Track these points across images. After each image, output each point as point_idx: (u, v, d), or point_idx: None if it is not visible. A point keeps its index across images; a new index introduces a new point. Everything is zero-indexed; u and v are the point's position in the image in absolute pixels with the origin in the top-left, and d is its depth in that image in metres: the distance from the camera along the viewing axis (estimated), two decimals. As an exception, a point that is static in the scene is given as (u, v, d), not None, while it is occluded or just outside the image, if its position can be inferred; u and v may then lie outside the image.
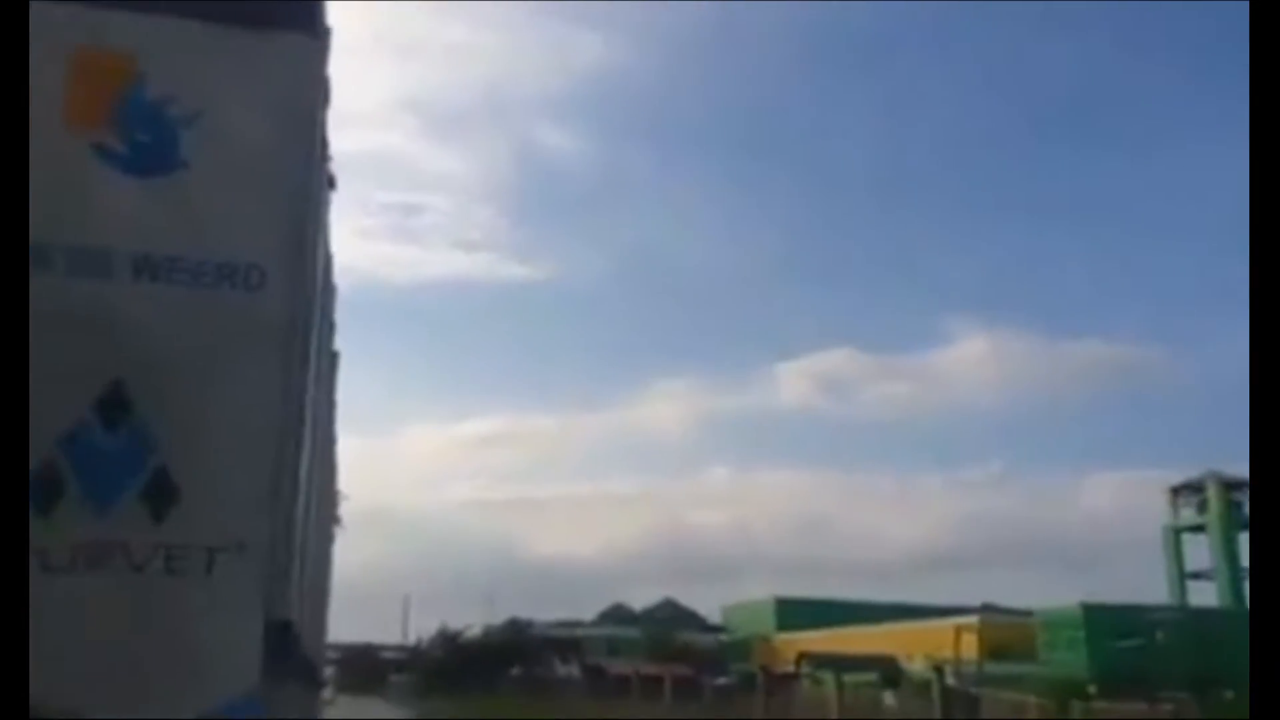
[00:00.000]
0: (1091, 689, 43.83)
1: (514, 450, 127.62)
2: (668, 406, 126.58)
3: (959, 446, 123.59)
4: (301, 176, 2.04)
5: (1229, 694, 41.22)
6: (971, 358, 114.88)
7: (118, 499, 1.94)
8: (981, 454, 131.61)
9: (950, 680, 10.86)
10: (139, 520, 1.95)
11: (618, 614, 77.21)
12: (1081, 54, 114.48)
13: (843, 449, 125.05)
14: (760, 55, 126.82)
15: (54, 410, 1.92)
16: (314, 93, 2.04)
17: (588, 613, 77.17)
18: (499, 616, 63.01)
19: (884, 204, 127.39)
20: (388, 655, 63.04)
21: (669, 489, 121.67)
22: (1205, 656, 44.64)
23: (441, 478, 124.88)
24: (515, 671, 51.70)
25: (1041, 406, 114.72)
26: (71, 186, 1.92)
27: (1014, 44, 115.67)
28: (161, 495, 1.98)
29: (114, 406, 1.94)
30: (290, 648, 2.03)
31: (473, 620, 60.92)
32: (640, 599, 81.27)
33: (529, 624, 61.12)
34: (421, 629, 65.01)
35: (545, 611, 68.22)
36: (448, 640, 58.09)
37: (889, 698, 42.37)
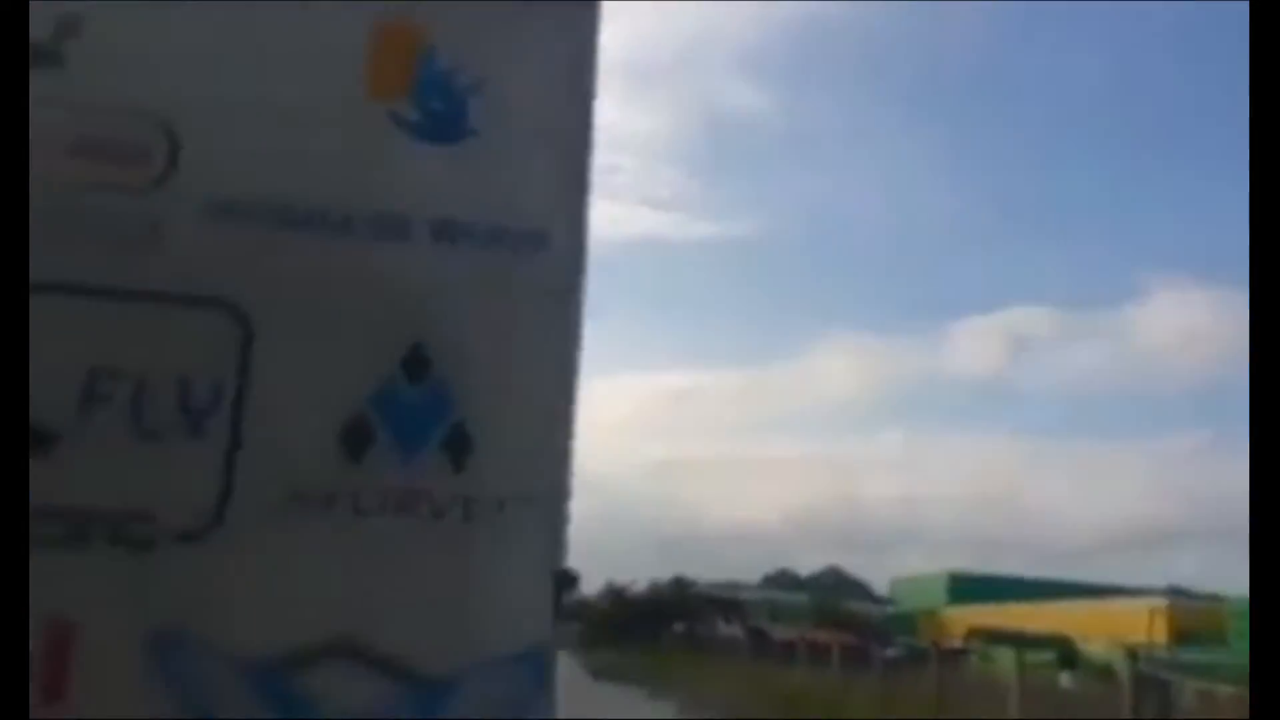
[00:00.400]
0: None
1: (694, 407, 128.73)
2: (843, 366, 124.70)
3: (1157, 415, 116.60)
4: (579, 142, 2.10)
5: None
6: (1174, 313, 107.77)
7: (421, 449, 2.06)
8: (1183, 424, 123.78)
9: (1141, 666, 10.32)
10: (441, 469, 2.07)
11: (782, 579, 77.14)
12: None
13: (1026, 414, 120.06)
14: (958, 6, 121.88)
15: (363, 368, 2.05)
16: (589, 59, 2.09)
17: (753, 575, 77.55)
18: (666, 574, 64.06)
19: (1087, 154, 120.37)
20: (554, 604, 65.27)
21: (841, 453, 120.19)
22: None
23: (623, 432, 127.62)
24: (679, 628, 52.48)
25: (1244, 371, 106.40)
26: (373, 155, 2.04)
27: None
28: (460, 447, 2.09)
29: (416, 364, 2.06)
30: (564, 595, 2.13)
31: (639, 576, 62.20)
32: (805, 565, 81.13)
33: (693, 583, 61.92)
34: (589, 582, 66.98)
35: (711, 572, 68.93)
36: (614, 594, 59.58)
37: (1065, 679, 40.78)
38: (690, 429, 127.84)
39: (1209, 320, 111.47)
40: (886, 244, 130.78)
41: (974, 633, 46.41)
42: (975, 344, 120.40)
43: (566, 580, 2.02)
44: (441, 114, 2.03)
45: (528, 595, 1.98)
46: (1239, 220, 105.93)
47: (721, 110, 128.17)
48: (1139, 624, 49.16)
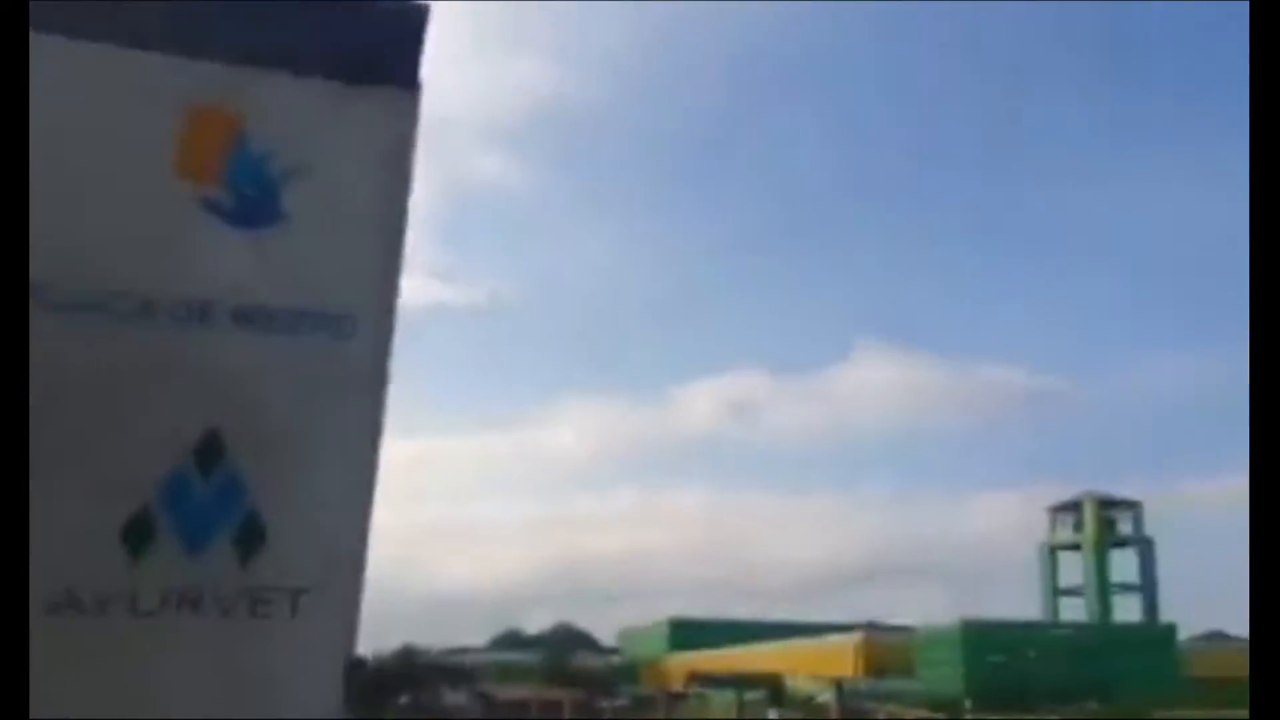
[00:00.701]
0: (967, 704, 45.45)
1: (416, 472, 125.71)
2: (575, 428, 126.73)
3: (856, 465, 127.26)
4: (394, 228, 2.13)
5: (1093, 705, 43.40)
6: (871, 378, 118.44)
7: (209, 543, 1.99)
8: (877, 473, 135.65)
9: (825, 697, 11.18)
10: (229, 563, 2.01)
11: (512, 638, 76.55)
12: (993, 85, 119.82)
13: (744, 470, 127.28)
14: (688, 80, 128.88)
15: (151, 459, 1.96)
16: (408, 145, 2.13)
17: (481, 638, 76.35)
18: (391, 644, 61.82)
19: (799, 228, 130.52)
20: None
21: (572, 512, 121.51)
22: (1074, 670, 46.87)
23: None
24: (404, 700, 50.65)
25: (936, 425, 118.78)
26: (178, 239, 1.97)
27: (932, 72, 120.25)
28: (251, 539, 2.03)
29: (209, 454, 1.99)
30: (353, 683, 2.11)
31: (362, 648, 59.44)
32: (535, 624, 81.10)
33: (424, 651, 60.14)
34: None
35: (439, 637, 67.20)
36: (335, 668, 56.54)
37: (773, 715, 43.11)
38: (422, 495, 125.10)
39: (898, 380, 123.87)
40: (617, 310, 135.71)
41: (693, 677, 48.24)
42: (700, 405, 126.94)
43: (356, 667, 1.99)
44: (253, 199, 1.98)
45: (317, 686, 1.93)
46: (928, 287, 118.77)
47: (468, 180, 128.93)
48: (840, 658, 52.93)
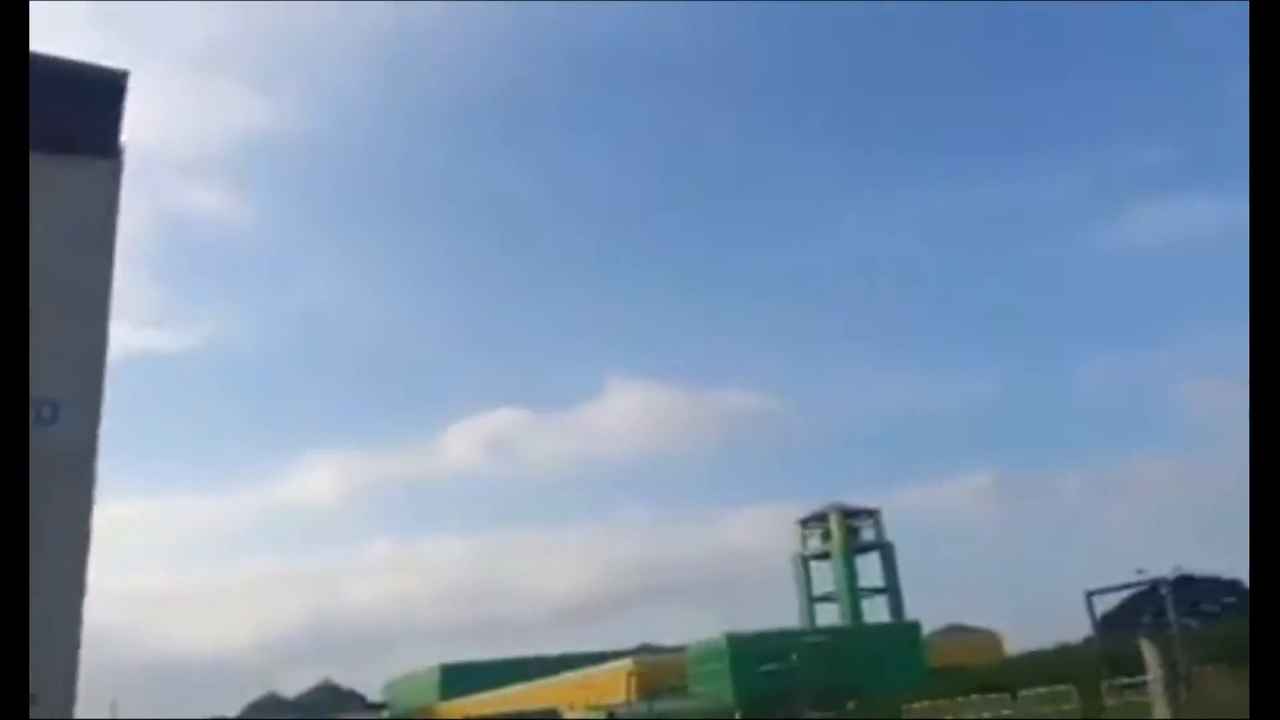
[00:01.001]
0: (738, 714, 47.01)
1: (144, 535, 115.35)
2: (325, 479, 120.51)
3: (616, 494, 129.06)
4: (96, 303, 2.06)
5: (850, 704, 45.97)
6: (626, 410, 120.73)
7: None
8: (636, 500, 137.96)
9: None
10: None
11: (270, 703, 71.92)
12: (736, 133, 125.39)
13: (505, 508, 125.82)
14: (434, 121, 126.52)
15: None
16: (110, 216, 2.06)
17: (235, 705, 71.21)
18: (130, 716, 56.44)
19: (546, 268, 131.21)
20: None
21: (324, 566, 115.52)
22: (833, 672, 49.55)
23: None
24: (151, 784, 46.41)
25: (685, 451, 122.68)
26: None
27: (668, 118, 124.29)
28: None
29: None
30: None
31: (99, 730, 53.91)
32: (296, 685, 76.36)
33: (164, 727, 55.24)
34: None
35: (185, 709, 62.13)
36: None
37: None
38: (146, 561, 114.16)
39: (647, 411, 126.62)
40: (366, 355, 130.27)
41: (467, 722, 47.13)
42: (457, 447, 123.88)
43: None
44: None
45: None
46: (668, 323, 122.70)
47: (177, 214, 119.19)
48: (615, 685, 53.39)
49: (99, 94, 1.75)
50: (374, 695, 75.41)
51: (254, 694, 74.11)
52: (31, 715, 1.77)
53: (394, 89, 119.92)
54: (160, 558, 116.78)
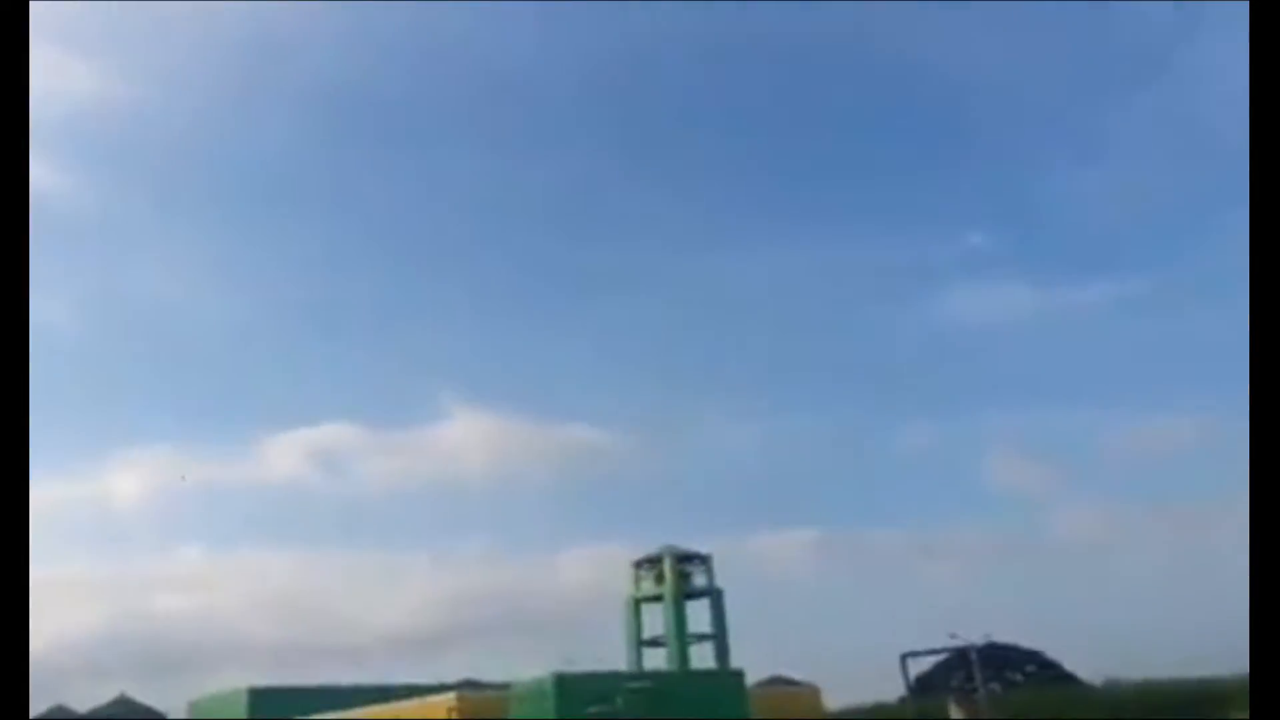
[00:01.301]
0: (559, 756, 46.52)
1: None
2: (134, 478, 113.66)
3: (447, 523, 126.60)
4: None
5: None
6: (463, 436, 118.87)
7: None
8: (468, 530, 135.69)
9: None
10: None
11: (57, 716, 66.89)
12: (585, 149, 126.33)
13: (332, 525, 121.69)
14: (278, 109, 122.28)
15: None
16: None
17: (15, 720, 65.89)
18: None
19: (393, 283, 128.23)
20: None
21: (128, 571, 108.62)
22: (658, 715, 49.70)
23: None
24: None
25: (523, 483, 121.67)
26: None
27: (524, 128, 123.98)
28: None
29: None
30: None
31: None
32: (88, 699, 71.14)
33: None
34: None
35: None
36: None
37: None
38: None
39: (488, 444, 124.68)
40: (189, 348, 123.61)
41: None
42: (283, 458, 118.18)
43: None
44: None
45: None
46: (525, 350, 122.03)
47: None
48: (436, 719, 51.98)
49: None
50: (175, 714, 71.09)
51: (40, 706, 68.85)
52: None
53: (241, 76, 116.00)
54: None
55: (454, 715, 51.79)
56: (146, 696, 71.99)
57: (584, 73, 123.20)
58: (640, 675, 58.63)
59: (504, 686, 56.29)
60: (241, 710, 64.87)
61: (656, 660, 67.94)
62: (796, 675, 72.43)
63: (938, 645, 42.80)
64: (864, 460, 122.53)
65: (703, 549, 71.93)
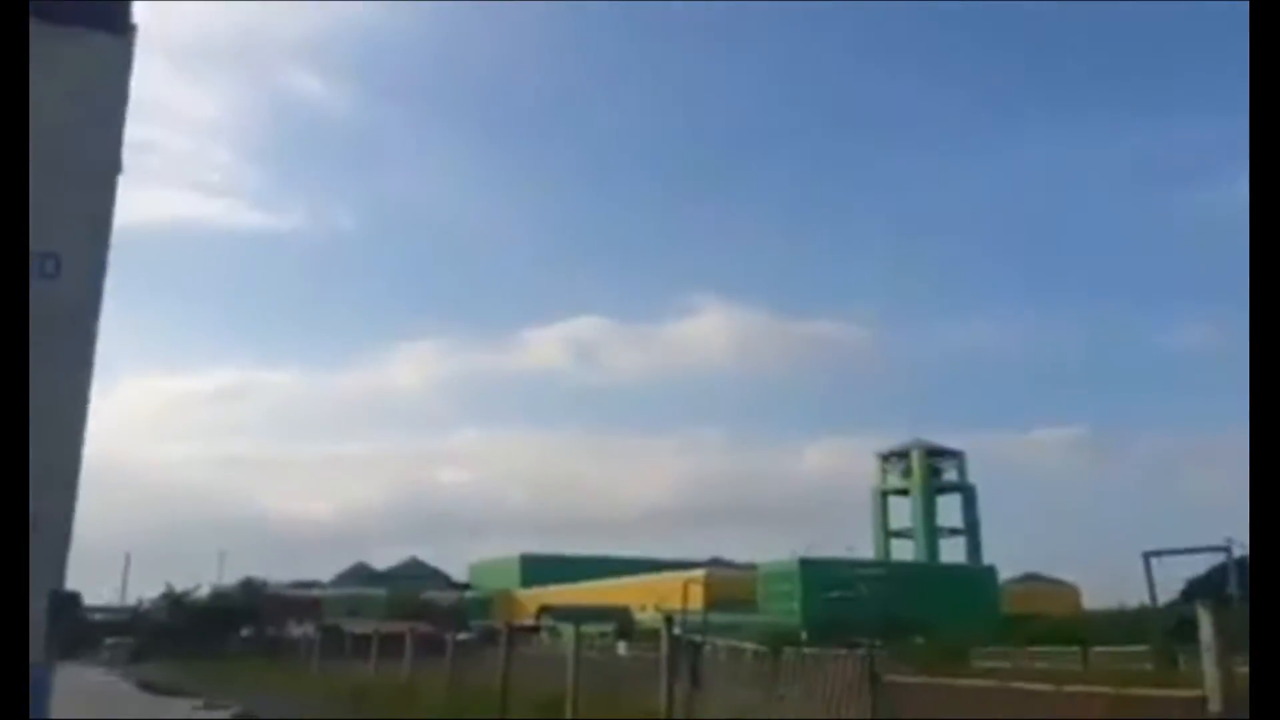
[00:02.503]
0: (803, 635, 47.70)
1: (251, 406, 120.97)
2: (417, 366, 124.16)
3: (695, 412, 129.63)
4: (102, 170, 2.13)
5: (919, 639, 46.25)
6: (711, 331, 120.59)
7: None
8: (715, 420, 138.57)
9: (677, 630, 11.64)
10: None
11: (360, 574, 75.61)
12: (847, 60, 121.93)
13: (588, 412, 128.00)
14: (541, 29, 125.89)
15: None
16: (118, 89, 2.12)
17: (328, 573, 75.21)
18: (232, 578, 60.22)
19: (645, 183, 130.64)
20: (100, 618, 58.47)
21: (416, 449, 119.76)
22: (902, 606, 49.65)
23: (169, 431, 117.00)
24: (246, 633, 49.65)
25: (771, 376, 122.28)
26: None
27: (792, 47, 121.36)
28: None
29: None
30: (75, 615, 2.15)
31: (203, 581, 57.70)
32: (385, 559, 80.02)
33: (264, 584, 58.74)
34: (143, 591, 61.19)
35: (283, 572, 65.94)
36: (172, 602, 54.74)
37: (622, 647, 44.24)
38: (249, 428, 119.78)
39: (735, 336, 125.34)
40: (451, 249, 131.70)
41: (544, 610, 48.95)
42: (544, 349, 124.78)
43: (65, 601, 2.02)
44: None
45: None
46: (770, 250, 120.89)
47: (285, 100, 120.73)
48: (687, 593, 54.55)
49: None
50: (459, 576, 78.53)
51: (346, 563, 78.12)
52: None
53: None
54: (264, 427, 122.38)
55: (704, 591, 53.88)
56: (433, 558, 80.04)
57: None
58: (886, 564, 58.62)
59: (750, 567, 58.01)
60: (514, 575, 70.79)
61: (904, 553, 67.57)
62: (1052, 574, 69.71)
63: (1190, 546, 39.82)
64: (1127, 358, 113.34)
65: (953, 445, 70.52)
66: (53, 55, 2.07)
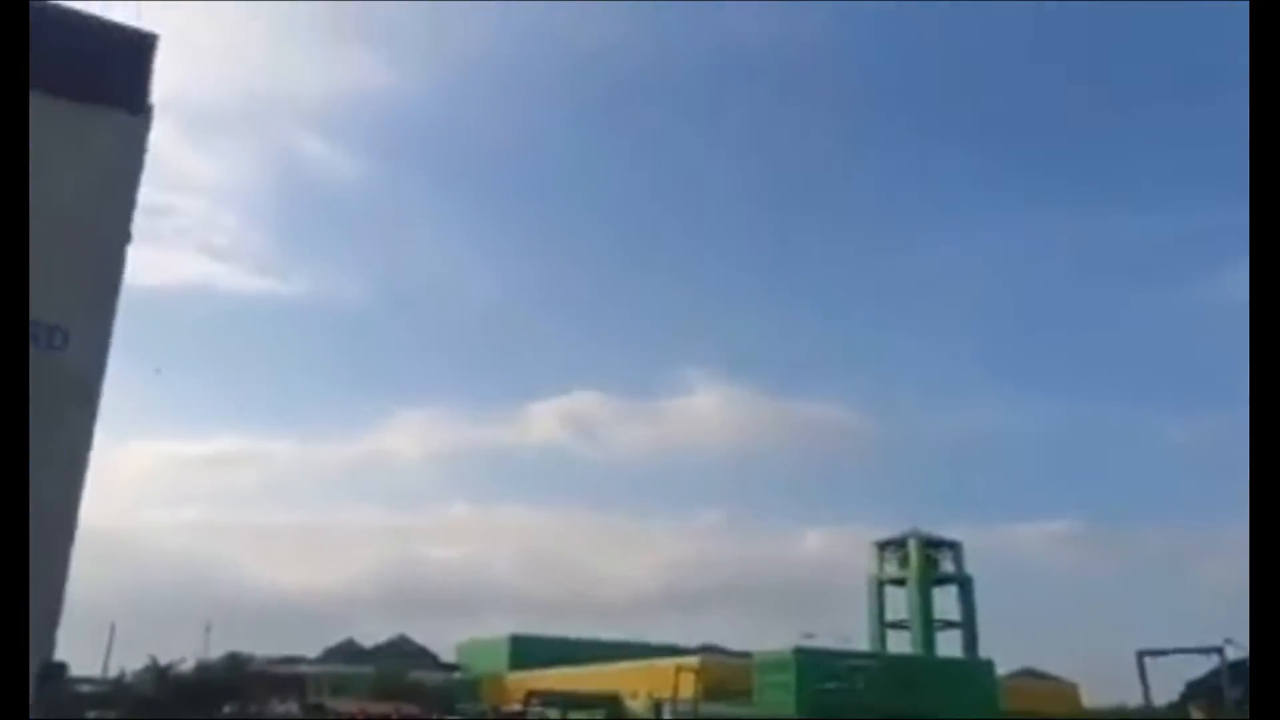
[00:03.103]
0: (798, 729, 46.56)
1: (244, 474, 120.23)
2: (412, 438, 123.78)
3: (690, 492, 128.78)
4: (112, 243, 2.19)
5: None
6: (707, 410, 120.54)
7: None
8: (711, 500, 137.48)
9: (667, 717, 11.40)
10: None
11: (347, 650, 74.24)
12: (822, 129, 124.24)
13: (583, 489, 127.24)
14: (542, 99, 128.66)
15: None
16: (133, 167, 2.19)
17: (314, 648, 73.78)
18: (218, 650, 59.12)
19: (641, 257, 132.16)
20: (84, 689, 57.14)
21: (408, 523, 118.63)
22: (898, 699, 48.54)
23: (162, 499, 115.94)
24: (230, 709, 48.61)
25: (766, 458, 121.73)
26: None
27: (777, 119, 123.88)
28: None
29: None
30: (61, 686, 2.17)
31: (186, 653, 56.58)
32: (372, 635, 78.65)
33: (249, 659, 57.62)
34: (126, 661, 59.95)
35: (270, 645, 64.67)
36: (156, 675, 53.63)
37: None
38: (243, 498, 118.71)
39: (731, 418, 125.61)
40: (451, 320, 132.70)
41: (533, 695, 47.89)
42: (541, 426, 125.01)
43: (54, 671, 2.01)
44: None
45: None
46: (768, 331, 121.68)
47: (292, 166, 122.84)
48: (679, 680, 53.42)
49: (128, 51, 1.90)
50: (446, 655, 77.04)
51: (333, 638, 76.65)
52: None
53: (518, 67, 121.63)
54: (258, 497, 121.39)
55: (697, 679, 52.85)
56: (421, 637, 78.59)
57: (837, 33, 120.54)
58: (879, 656, 57.52)
59: (743, 655, 56.90)
60: (503, 654, 69.45)
61: (900, 644, 66.35)
62: (1049, 669, 68.39)
63: (1192, 646, 39.19)
64: (1125, 451, 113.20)
65: (949, 535, 69.83)
66: (72, 132, 2.16)
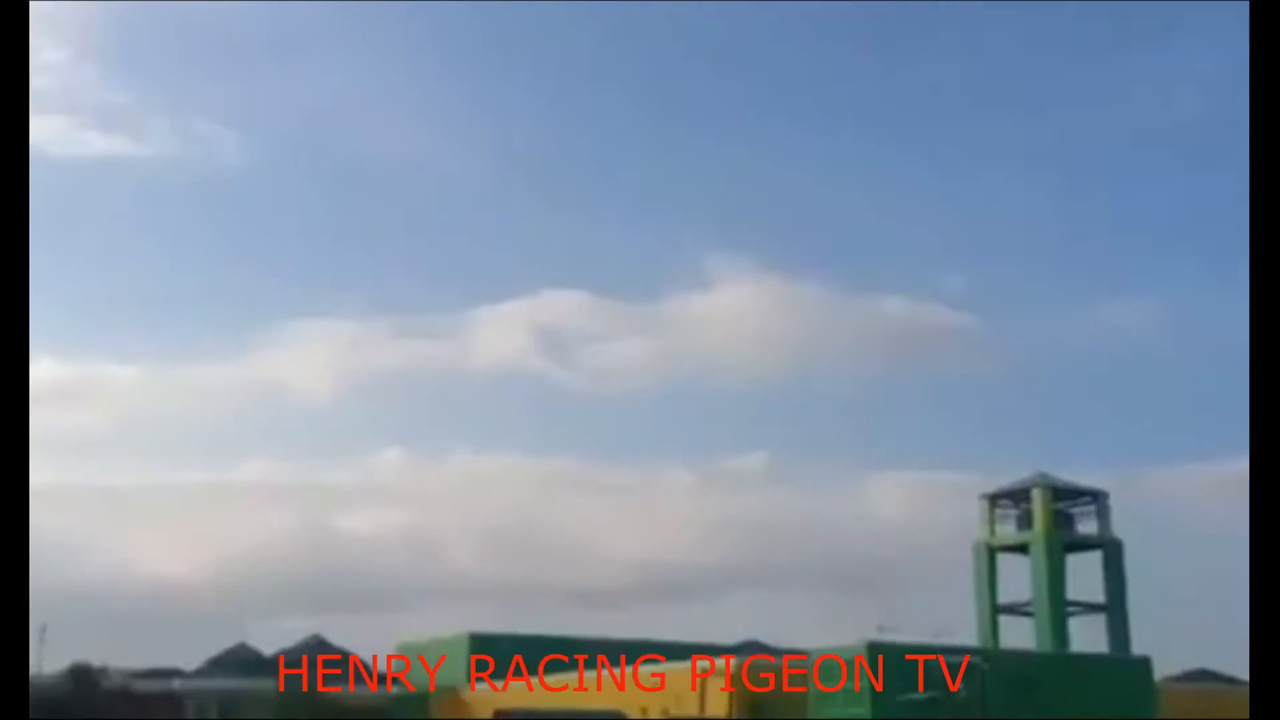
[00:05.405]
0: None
1: (78, 414, 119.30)
2: (319, 359, 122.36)
3: (713, 430, 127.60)
4: None
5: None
6: (735, 311, 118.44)
7: None
8: (743, 441, 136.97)
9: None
10: None
11: (239, 658, 74.88)
12: None
13: (563, 428, 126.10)
14: None
15: None
16: None
17: (194, 657, 74.22)
18: (56, 662, 59.43)
19: (641, 108, 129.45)
20: None
21: (319, 479, 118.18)
22: (1017, 710, 48.49)
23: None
24: (76, 741, 49.09)
25: (822, 378, 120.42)
26: None
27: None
28: None
29: None
30: None
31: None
32: (274, 638, 78.86)
33: (101, 671, 58.09)
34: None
35: (129, 656, 65.06)
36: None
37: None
38: (80, 448, 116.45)
39: (772, 320, 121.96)
40: (375, 192, 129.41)
41: (502, 715, 47.86)
42: (497, 340, 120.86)
43: None
44: None
45: None
46: (822, 200, 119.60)
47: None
48: (707, 692, 53.40)
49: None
50: (380, 662, 77.42)
51: (220, 644, 76.95)
52: None
53: None
54: (95, 445, 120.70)
55: (731, 688, 52.77)
56: (344, 639, 78.92)
57: None
58: (995, 653, 57.55)
59: (795, 654, 56.90)
60: (461, 660, 69.74)
61: (1019, 635, 66.60)
62: (1230, 671, 68.58)
63: None
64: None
65: (1088, 483, 69.47)
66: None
